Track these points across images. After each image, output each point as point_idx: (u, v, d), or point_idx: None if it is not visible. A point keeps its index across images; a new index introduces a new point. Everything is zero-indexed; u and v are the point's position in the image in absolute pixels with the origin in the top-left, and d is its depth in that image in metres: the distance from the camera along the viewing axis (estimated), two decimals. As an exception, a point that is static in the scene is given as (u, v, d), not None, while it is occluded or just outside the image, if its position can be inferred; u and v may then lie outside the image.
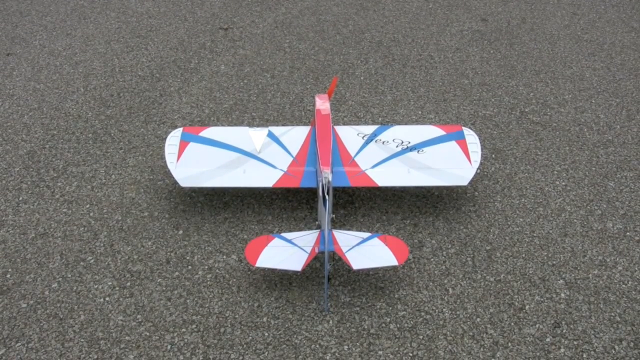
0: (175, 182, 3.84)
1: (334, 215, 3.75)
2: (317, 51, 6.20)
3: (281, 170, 3.89)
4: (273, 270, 3.49)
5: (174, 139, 4.08)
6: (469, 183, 3.82)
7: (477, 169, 3.91)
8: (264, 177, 3.84)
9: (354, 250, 3.21)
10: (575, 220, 3.97)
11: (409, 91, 5.47)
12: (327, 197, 3.30)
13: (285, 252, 3.25)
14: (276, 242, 3.32)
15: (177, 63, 5.97)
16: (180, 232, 3.83)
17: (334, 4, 7.29)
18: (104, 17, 6.97)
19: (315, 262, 3.53)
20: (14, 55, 6.11)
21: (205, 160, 3.94)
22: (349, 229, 3.80)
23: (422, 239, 3.78)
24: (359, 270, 3.41)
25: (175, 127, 4.83)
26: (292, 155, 4.00)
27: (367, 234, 3.36)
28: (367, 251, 3.23)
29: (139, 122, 4.99)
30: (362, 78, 5.70)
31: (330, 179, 3.43)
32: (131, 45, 6.31)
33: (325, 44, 6.35)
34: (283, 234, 3.38)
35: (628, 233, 3.86)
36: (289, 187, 3.85)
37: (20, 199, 4.15)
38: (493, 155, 4.61)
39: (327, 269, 3.10)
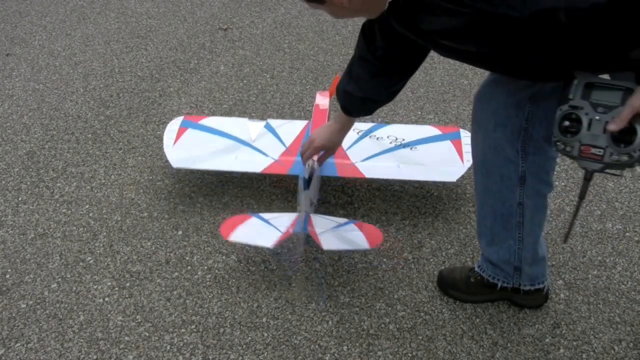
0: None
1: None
2: (317, 52, 6.20)
3: (272, 158, 3.95)
4: (272, 270, 3.49)
5: (174, 125, 4.23)
6: (458, 180, 3.80)
7: (469, 168, 3.90)
8: (254, 164, 3.92)
9: (327, 232, 3.25)
10: (574, 220, 3.96)
11: (408, 91, 5.47)
12: (307, 180, 3.38)
13: (260, 230, 3.30)
14: (253, 220, 3.38)
15: (176, 63, 5.97)
16: (180, 232, 3.83)
17: (334, 5, 7.28)
18: (103, 17, 6.97)
19: (315, 263, 3.53)
20: (13, 56, 6.11)
21: (200, 145, 4.06)
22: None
23: (422, 240, 3.78)
24: (328, 251, 3.45)
25: (175, 127, 4.84)
26: (285, 146, 4.07)
27: (344, 220, 3.39)
28: (339, 235, 3.27)
29: (139, 123, 5.00)
30: (361, 78, 5.69)
31: (315, 166, 3.46)
32: (130, 46, 6.31)
33: (324, 45, 6.35)
34: (261, 214, 3.43)
35: (627, 233, 3.86)
36: (277, 173, 3.93)
37: (20, 199, 4.15)
38: (492, 156, 4.60)
39: (300, 251, 3.24)
